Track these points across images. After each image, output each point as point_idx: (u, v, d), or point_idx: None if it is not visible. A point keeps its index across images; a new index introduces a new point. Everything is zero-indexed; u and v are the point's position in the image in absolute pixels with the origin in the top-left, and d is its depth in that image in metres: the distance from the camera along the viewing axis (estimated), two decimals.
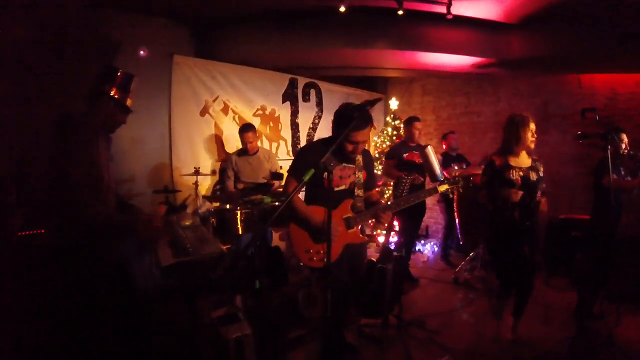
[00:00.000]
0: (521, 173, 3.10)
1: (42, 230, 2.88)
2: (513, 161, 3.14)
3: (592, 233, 3.75)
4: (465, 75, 6.42)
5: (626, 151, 3.59)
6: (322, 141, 2.76)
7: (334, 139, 2.30)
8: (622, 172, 3.64)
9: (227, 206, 3.91)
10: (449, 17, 4.21)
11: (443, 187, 2.96)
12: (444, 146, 5.75)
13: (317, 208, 2.56)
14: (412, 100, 7.52)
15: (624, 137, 3.62)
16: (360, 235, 2.74)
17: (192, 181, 4.49)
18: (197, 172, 4.37)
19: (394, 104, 6.27)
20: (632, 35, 4.05)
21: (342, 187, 2.67)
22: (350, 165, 2.69)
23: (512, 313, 3.32)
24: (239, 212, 3.72)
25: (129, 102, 2.31)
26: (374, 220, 2.75)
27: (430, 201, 6.34)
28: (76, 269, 2.08)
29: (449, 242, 5.78)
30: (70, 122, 2.13)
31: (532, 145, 3.14)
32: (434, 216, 6.93)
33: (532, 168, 3.16)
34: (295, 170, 2.60)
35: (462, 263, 4.97)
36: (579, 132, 3.40)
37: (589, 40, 4.38)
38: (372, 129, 7.30)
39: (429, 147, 4.17)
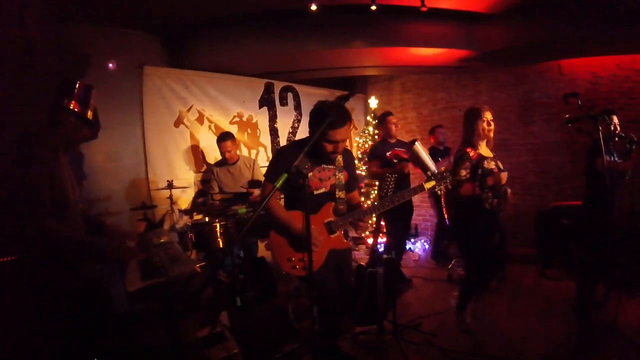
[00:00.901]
0: (493, 163, 3.19)
1: (14, 258, 2.70)
2: (484, 152, 3.23)
3: (587, 219, 3.64)
4: (444, 70, 6.37)
5: (617, 132, 3.51)
6: (298, 142, 2.61)
7: (310, 139, 2.15)
8: (614, 154, 3.56)
9: (207, 219, 3.75)
10: (423, 9, 4.13)
11: (429, 184, 2.74)
12: (431, 140, 5.66)
13: (298, 213, 2.36)
14: (392, 98, 7.44)
15: (615, 119, 3.54)
16: (344, 240, 2.59)
17: (166, 195, 4.30)
18: (170, 186, 4.19)
19: (373, 103, 6.16)
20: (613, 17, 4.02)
21: (322, 190, 2.51)
22: (330, 167, 2.53)
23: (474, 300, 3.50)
24: (217, 225, 3.56)
25: (89, 114, 2.17)
26: (352, 228, 2.60)
27: (417, 199, 6.25)
28: (43, 296, 1.93)
29: (441, 238, 5.64)
30: (28, 139, 2.00)
31: (491, 134, 3.23)
32: (421, 214, 6.87)
33: (495, 158, 3.27)
34: (271, 175, 2.43)
35: (455, 259, 4.88)
36: (567, 116, 3.31)
37: (570, 25, 4.33)
38: (354, 129, 7.14)
39: (416, 142, 4.04)
